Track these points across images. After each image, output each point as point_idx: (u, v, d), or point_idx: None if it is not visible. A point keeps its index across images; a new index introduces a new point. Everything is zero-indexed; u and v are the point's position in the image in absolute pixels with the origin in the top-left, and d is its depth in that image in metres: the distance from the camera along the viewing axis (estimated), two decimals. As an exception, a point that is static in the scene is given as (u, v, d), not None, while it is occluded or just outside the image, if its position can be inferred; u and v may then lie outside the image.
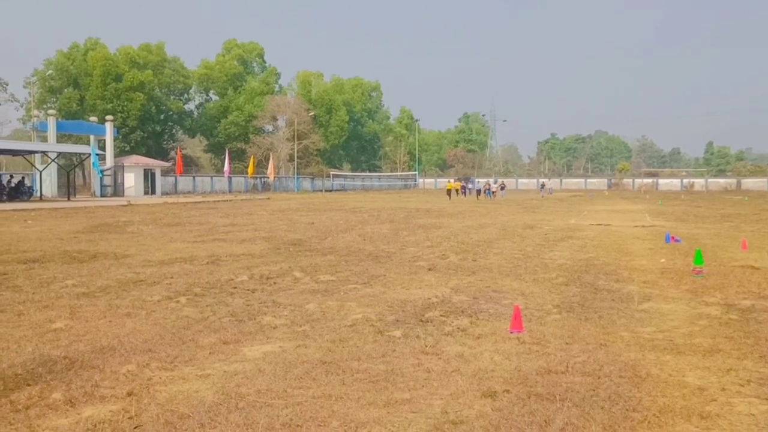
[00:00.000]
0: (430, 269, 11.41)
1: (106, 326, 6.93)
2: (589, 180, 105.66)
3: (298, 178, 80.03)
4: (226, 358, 5.75)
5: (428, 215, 28.36)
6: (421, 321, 7.26)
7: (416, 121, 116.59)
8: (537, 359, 5.73)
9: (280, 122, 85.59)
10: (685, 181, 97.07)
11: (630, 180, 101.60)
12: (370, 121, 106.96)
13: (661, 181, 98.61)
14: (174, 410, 4.41)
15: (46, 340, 6.27)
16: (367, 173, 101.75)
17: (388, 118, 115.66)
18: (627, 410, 4.46)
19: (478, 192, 46.64)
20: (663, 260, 12.58)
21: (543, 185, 66.38)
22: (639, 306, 8.12)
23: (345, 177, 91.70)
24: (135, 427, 4.12)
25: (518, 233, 18.83)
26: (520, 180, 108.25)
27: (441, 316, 7.51)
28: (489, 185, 48.13)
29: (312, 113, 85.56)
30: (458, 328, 6.93)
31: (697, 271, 10.64)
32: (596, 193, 71.06)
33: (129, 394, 4.76)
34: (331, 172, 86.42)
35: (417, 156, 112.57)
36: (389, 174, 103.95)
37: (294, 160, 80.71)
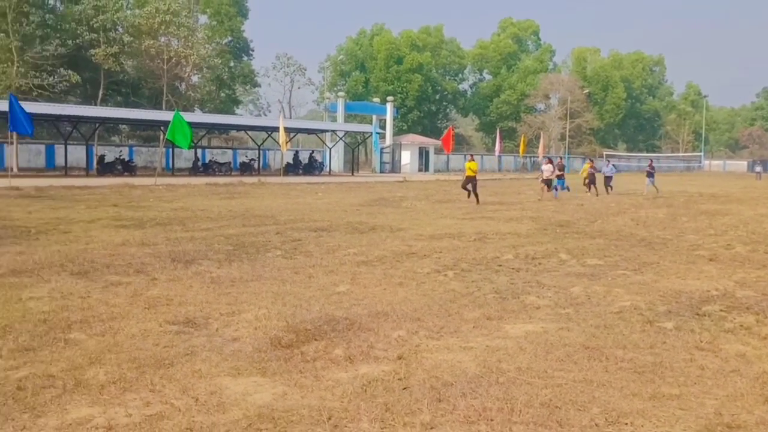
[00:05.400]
0: (711, 259, 10.48)
1: (381, 293, 7.52)
2: None
3: (568, 157, 77.94)
4: (489, 333, 5.91)
5: (713, 200, 25.90)
6: (697, 314, 6.74)
7: (704, 97, 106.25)
8: (838, 370, 5.01)
9: (553, 100, 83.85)
10: None
11: None
12: (651, 98, 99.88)
13: None
14: (438, 377, 4.68)
15: (331, 302, 7.00)
16: (644, 154, 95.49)
17: (671, 94, 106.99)
18: None
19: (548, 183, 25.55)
20: None
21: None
22: None
23: (619, 157, 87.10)
24: (403, 388, 4.45)
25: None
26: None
27: (721, 310, 6.89)
28: (593, 167, 29.14)
29: (586, 91, 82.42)
30: (741, 325, 6.31)
31: None
32: None
33: (399, 358, 5.15)
34: (605, 153, 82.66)
35: (703, 135, 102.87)
36: (669, 155, 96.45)
37: (565, 140, 78.73)
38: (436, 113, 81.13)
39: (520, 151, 58.13)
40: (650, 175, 29.99)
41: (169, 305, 6.72)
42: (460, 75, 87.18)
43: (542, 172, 25.93)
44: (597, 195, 27.49)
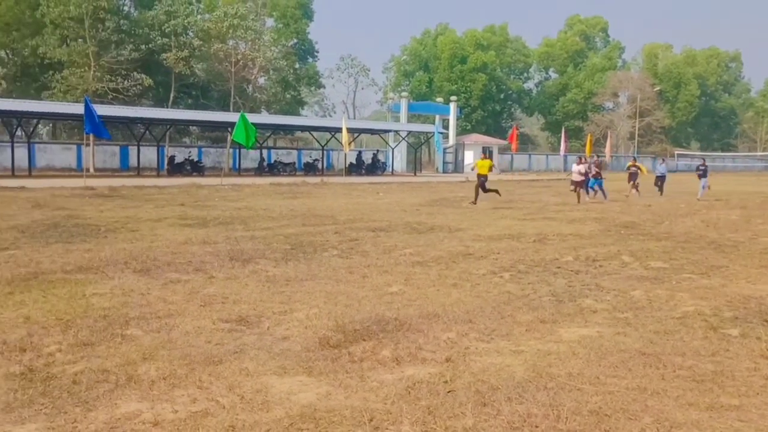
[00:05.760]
0: (785, 264, 9.98)
1: (434, 294, 7.46)
2: None
3: (637, 157, 75.81)
4: (542, 337, 5.78)
5: (791, 202, 24.70)
6: (766, 321, 6.42)
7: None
8: None
9: (621, 99, 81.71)
10: None
11: None
12: (726, 95, 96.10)
13: None
14: (485, 381, 4.59)
15: (383, 302, 6.98)
16: (719, 153, 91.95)
17: (749, 91, 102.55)
18: None
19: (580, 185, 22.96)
20: None
21: None
22: None
23: (692, 157, 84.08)
24: (448, 391, 4.39)
25: None
26: None
27: (792, 318, 6.55)
28: (636, 165, 26.63)
29: (657, 88, 79.98)
30: (813, 334, 5.98)
31: None
32: None
33: (447, 360, 5.08)
34: (676, 152, 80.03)
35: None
36: (746, 154, 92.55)
37: (634, 139, 76.62)
38: (500, 113, 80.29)
39: (587, 150, 56.91)
40: (703, 175, 26.05)
41: (224, 303, 6.84)
42: (525, 74, 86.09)
43: (572, 173, 23.55)
44: (638, 193, 25.69)
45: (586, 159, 24.67)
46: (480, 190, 20.81)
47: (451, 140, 57.01)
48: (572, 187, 23.06)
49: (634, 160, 29.03)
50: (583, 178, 22.85)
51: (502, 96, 79.83)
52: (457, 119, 60.00)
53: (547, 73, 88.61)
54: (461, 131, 64.95)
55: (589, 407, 4.13)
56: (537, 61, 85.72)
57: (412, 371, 4.80)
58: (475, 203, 20.60)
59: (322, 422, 3.88)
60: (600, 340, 5.69)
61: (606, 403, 4.20)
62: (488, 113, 75.69)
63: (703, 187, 25.76)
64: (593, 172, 23.85)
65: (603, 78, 78.90)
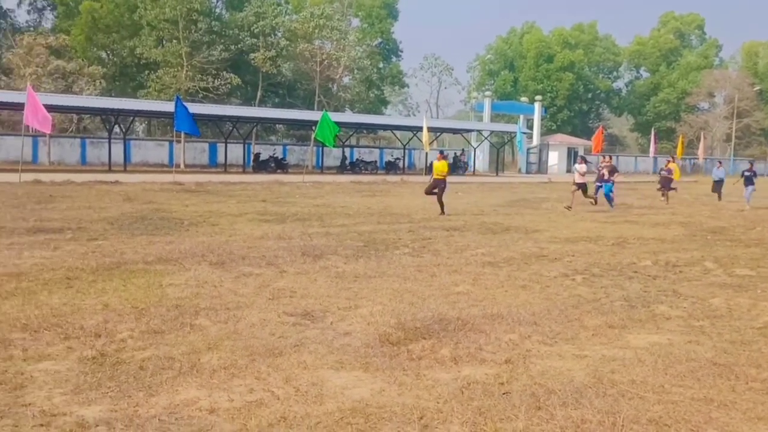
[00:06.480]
0: None
1: (501, 295, 7.36)
2: None
3: (734, 160, 72.29)
4: (608, 342, 5.61)
5: None
6: None
7: None
8: None
9: (718, 99, 78.02)
10: None
11: None
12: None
13: None
14: (542, 384, 4.50)
15: (448, 301, 6.94)
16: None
17: None
18: None
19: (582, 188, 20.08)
20: None
21: None
22: None
23: (794, 160, 79.47)
24: (503, 393, 4.33)
25: None
26: None
27: None
28: (667, 169, 24.04)
29: (757, 88, 75.93)
30: None
31: None
32: None
33: (506, 362, 5.01)
34: (776, 155, 75.82)
35: None
36: None
37: (731, 141, 73.08)
38: (587, 113, 78.29)
39: (678, 152, 54.73)
40: (749, 181, 22.08)
41: (291, 297, 6.97)
42: (614, 73, 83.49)
43: (575, 174, 20.44)
44: (667, 202, 22.82)
45: (585, 159, 21.05)
46: (428, 193, 17.72)
47: (535, 140, 56.04)
48: (573, 190, 19.79)
49: (671, 159, 25.42)
50: (584, 179, 19.77)
51: (589, 95, 77.80)
52: (542, 119, 58.92)
53: (637, 72, 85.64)
54: (546, 131, 63.75)
55: (649, 416, 3.98)
56: (627, 59, 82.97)
57: (469, 371, 4.76)
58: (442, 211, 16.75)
59: (372, 417, 3.90)
60: (670, 347, 5.47)
61: (667, 413, 4.03)
62: (575, 113, 73.94)
63: (749, 195, 22.08)
64: (606, 176, 20.44)
65: (698, 77, 75.52)
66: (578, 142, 57.96)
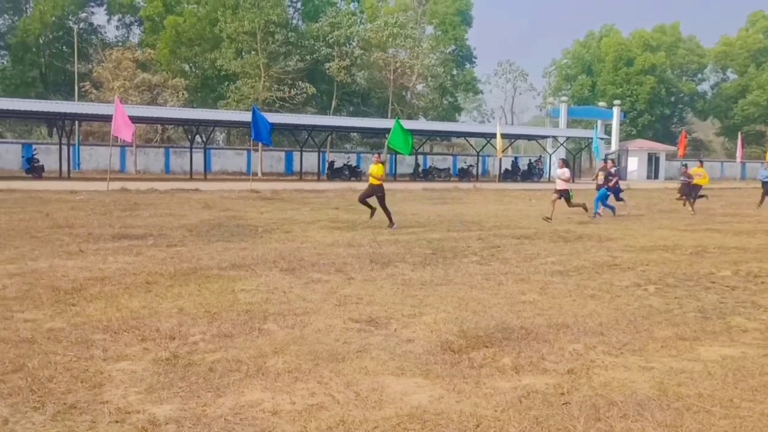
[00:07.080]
0: None
1: (569, 304, 7.26)
2: None
3: (703, 161, 68.37)
4: (677, 354, 5.46)
5: None
6: None
7: None
8: None
9: (812, 100, 74.04)
10: None
11: None
12: None
13: None
14: (604, 395, 4.44)
15: (513, 310, 6.90)
16: None
17: None
18: None
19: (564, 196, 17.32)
20: None
21: None
22: None
23: None
24: (563, 404, 4.29)
25: None
26: None
27: None
28: (687, 174, 21.61)
29: None
30: None
31: None
32: None
33: (569, 372, 4.96)
34: None
35: None
36: None
37: (827, 144, 69.16)
38: (669, 117, 75.72)
39: (767, 157, 52.25)
40: None
41: (357, 304, 7.09)
42: (699, 75, 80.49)
43: (557, 180, 18.09)
44: (692, 210, 20.54)
45: (566, 162, 18.99)
46: (361, 202, 16.00)
47: (614, 146, 54.65)
48: (554, 198, 17.41)
49: (699, 164, 23.53)
50: (566, 186, 17.43)
51: (672, 99, 75.24)
52: (621, 124, 57.43)
53: (724, 74, 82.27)
54: (625, 136, 62.10)
55: (714, 430, 3.88)
56: (713, 61, 79.82)
57: (530, 380, 4.74)
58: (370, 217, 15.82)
59: (429, 424, 3.95)
60: (743, 361, 5.28)
61: (734, 428, 3.91)
62: (656, 117, 71.65)
63: None
64: (612, 182, 18.97)
65: (790, 78, 71.99)
66: (660, 147, 56.20)
